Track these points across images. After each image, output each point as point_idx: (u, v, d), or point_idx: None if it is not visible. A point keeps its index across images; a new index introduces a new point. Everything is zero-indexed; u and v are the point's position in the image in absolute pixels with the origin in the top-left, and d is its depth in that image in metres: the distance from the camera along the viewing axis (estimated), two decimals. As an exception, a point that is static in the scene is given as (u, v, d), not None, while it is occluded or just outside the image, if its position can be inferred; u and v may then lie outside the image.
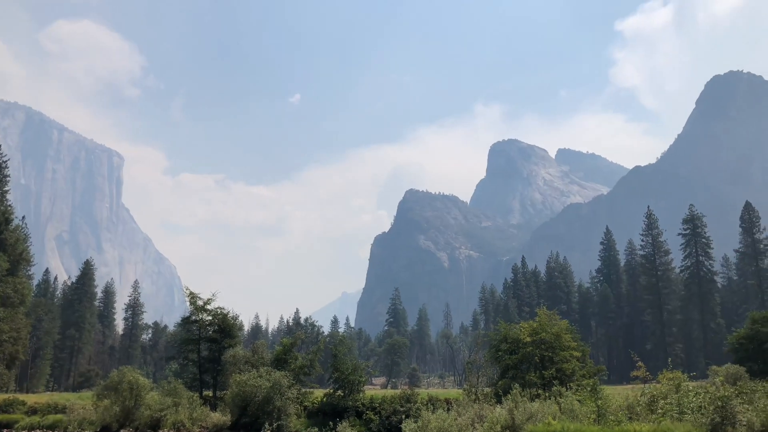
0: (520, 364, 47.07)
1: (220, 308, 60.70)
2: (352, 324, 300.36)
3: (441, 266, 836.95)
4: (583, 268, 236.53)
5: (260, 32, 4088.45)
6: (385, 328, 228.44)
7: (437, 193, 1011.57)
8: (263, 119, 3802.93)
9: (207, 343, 60.13)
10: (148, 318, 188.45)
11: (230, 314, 61.72)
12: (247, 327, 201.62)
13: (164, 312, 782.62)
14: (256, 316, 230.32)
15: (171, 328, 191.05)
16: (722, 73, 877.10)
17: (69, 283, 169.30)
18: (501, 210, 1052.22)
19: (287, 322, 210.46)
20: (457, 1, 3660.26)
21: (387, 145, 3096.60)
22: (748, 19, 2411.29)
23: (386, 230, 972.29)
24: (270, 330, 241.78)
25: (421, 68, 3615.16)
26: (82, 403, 52.40)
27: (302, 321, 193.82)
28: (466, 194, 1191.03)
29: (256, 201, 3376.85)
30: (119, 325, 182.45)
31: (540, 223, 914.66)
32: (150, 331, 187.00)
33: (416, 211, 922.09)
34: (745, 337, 58.54)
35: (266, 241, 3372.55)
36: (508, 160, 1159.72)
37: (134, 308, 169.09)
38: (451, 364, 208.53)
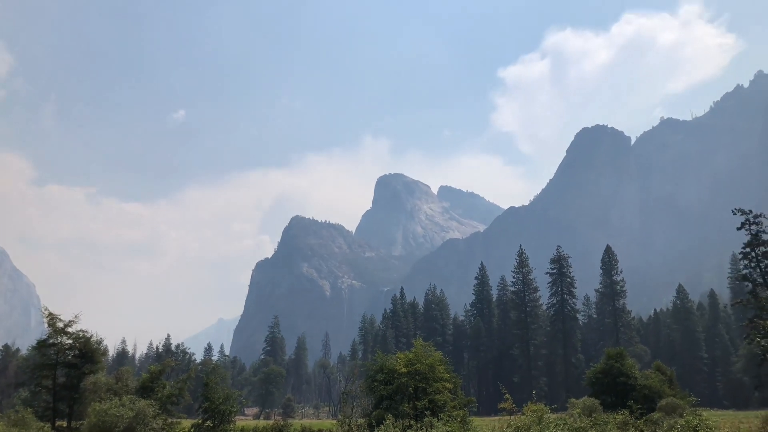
0: (394, 395, 47.53)
1: (83, 331, 56.54)
2: (228, 352, 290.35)
3: (323, 294, 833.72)
4: (459, 301, 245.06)
5: (145, 43, 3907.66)
6: (262, 356, 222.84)
7: (323, 221, 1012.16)
8: (143, 133, 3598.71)
9: (65, 369, 55.62)
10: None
11: (93, 338, 57.73)
12: (112, 352, 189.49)
13: (18, 334, 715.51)
14: (123, 341, 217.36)
15: (24, 351, 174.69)
16: (590, 126, 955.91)
17: None
18: (384, 241, 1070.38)
19: (157, 348, 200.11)
20: (350, 34, 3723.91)
21: (273, 170, 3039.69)
22: (612, 78, 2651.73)
23: (269, 256, 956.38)
24: (138, 356, 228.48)
25: (313, 96, 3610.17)
26: None
27: (173, 347, 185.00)
28: (351, 224, 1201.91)
29: (128, 218, 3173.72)
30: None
31: (420, 255, 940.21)
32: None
33: (301, 238, 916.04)
34: (601, 372, 62.81)
35: (137, 262, 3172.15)
36: (394, 194, 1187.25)
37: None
38: (327, 395, 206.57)
